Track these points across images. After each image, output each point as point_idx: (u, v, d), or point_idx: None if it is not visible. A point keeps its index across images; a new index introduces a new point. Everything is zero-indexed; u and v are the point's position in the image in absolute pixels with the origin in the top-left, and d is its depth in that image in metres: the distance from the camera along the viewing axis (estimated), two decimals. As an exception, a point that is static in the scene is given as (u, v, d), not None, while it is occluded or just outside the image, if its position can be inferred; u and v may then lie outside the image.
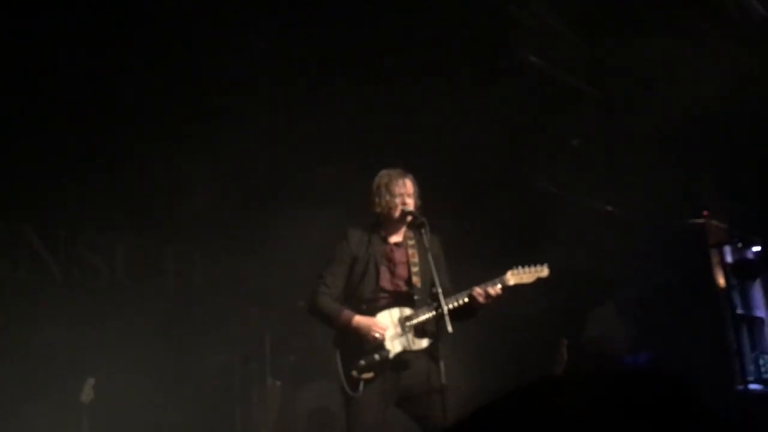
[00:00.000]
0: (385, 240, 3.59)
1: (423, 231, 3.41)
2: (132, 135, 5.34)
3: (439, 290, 3.24)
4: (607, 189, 6.76)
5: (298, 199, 5.69)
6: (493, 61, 5.42)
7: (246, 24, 4.80)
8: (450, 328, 3.13)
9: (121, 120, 5.28)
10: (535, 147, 6.30)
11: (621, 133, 6.17)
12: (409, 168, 3.67)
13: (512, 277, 3.47)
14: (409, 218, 3.54)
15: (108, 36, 4.67)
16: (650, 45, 5.35)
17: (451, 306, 3.34)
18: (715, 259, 6.85)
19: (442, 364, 3.21)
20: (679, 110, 5.67)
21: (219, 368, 5.68)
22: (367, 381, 3.32)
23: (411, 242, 3.59)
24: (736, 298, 6.95)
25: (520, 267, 3.51)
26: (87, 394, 4.47)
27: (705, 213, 6.96)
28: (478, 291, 3.37)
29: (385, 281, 3.50)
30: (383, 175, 3.61)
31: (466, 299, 3.39)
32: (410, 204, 3.54)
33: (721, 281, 6.71)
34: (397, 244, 3.60)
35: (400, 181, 3.56)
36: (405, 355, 3.39)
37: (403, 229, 3.63)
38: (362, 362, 3.33)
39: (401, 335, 3.40)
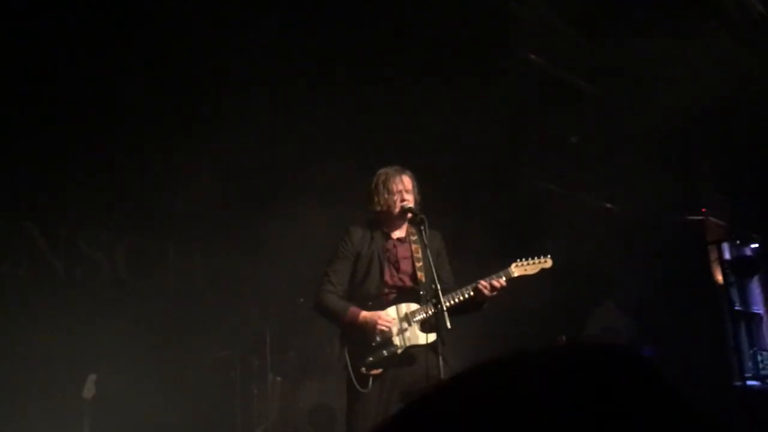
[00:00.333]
0: (387, 236, 3.60)
1: (423, 228, 3.42)
2: (132, 134, 5.35)
3: (438, 286, 3.24)
4: (606, 187, 6.78)
5: (298, 198, 5.70)
6: (492, 60, 5.43)
7: (246, 24, 4.81)
8: (448, 324, 3.16)
9: (121, 119, 5.29)
10: (534, 145, 6.32)
11: (620, 131, 6.19)
12: (409, 166, 3.67)
13: (516, 269, 3.51)
14: (409, 215, 3.54)
15: (108, 36, 4.68)
16: (650, 44, 5.37)
17: (456, 300, 3.38)
18: (713, 256, 6.87)
19: (441, 359, 3.23)
20: (678, 109, 5.68)
21: (219, 365, 5.71)
22: (375, 377, 3.35)
23: (414, 238, 3.59)
24: (735, 295, 6.98)
25: (523, 259, 3.55)
26: (89, 389, 4.48)
27: (703, 210, 6.98)
28: (483, 284, 3.40)
29: (389, 277, 3.51)
30: (381, 173, 3.61)
31: (472, 292, 3.42)
32: (409, 200, 3.54)
33: (720, 278, 6.74)
34: (400, 240, 3.61)
35: (398, 178, 3.56)
36: (412, 350, 3.41)
37: (405, 225, 3.64)
38: (371, 358, 3.34)
39: (407, 330, 3.42)
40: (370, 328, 3.37)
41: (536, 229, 5.90)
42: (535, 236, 5.43)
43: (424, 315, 3.41)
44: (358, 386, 3.33)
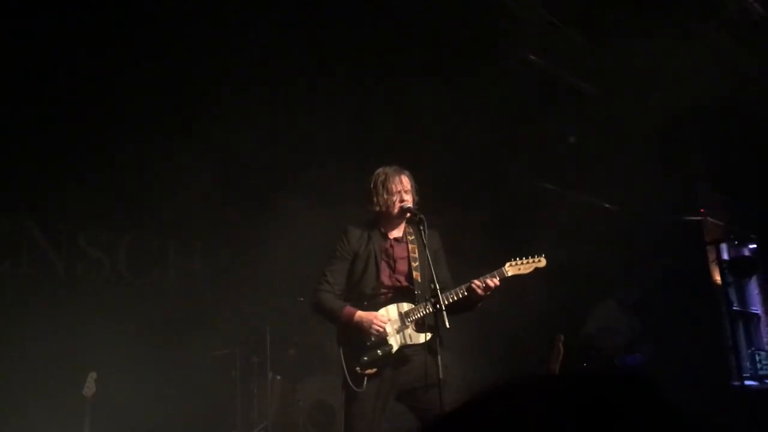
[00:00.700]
0: (385, 236, 3.61)
1: (422, 227, 3.43)
2: (132, 133, 5.36)
3: (437, 286, 3.26)
4: (605, 187, 6.78)
5: (298, 197, 5.71)
6: (492, 60, 5.43)
7: (246, 24, 4.82)
8: (447, 324, 3.17)
9: (121, 119, 5.30)
10: (533, 145, 6.32)
11: (619, 131, 6.20)
12: (408, 166, 3.68)
13: (510, 269, 3.50)
14: (408, 215, 3.55)
15: (108, 36, 4.69)
16: (649, 44, 5.37)
17: (450, 300, 3.37)
18: (711, 257, 6.87)
19: (440, 358, 3.24)
20: (677, 109, 5.69)
21: (220, 363, 5.73)
22: (371, 376, 3.37)
23: (411, 237, 3.60)
24: (733, 295, 6.98)
25: (517, 258, 3.54)
26: (89, 387, 4.50)
27: (702, 211, 6.99)
28: (476, 283, 3.40)
29: (386, 277, 3.52)
30: (380, 173, 3.61)
31: (465, 292, 3.42)
32: (408, 200, 3.54)
33: (718, 278, 6.74)
34: (397, 240, 3.61)
35: (397, 178, 3.56)
36: (406, 349, 3.43)
37: (403, 225, 3.65)
38: (365, 358, 3.36)
39: (403, 330, 3.43)
40: (365, 327, 3.38)
41: (534, 229, 5.91)
42: (534, 236, 5.44)
43: (420, 315, 3.42)
44: (353, 385, 3.35)
